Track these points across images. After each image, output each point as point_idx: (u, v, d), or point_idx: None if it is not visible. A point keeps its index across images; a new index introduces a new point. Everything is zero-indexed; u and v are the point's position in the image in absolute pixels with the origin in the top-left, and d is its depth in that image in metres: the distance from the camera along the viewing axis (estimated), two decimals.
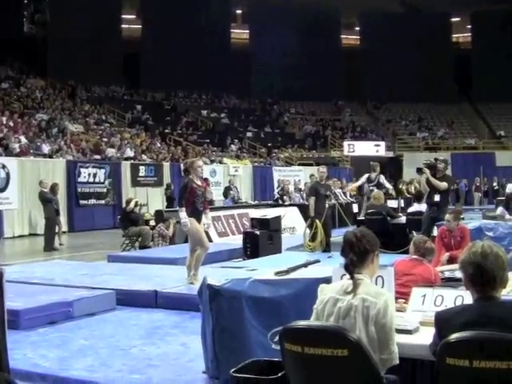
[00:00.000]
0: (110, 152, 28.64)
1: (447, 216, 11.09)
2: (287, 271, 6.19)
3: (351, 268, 4.11)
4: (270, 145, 41.47)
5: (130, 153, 29.64)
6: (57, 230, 19.36)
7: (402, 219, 16.40)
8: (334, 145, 44.16)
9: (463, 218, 14.44)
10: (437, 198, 13.75)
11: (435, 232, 12.26)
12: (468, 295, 4.40)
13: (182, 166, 11.69)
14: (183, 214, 10.61)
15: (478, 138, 47.43)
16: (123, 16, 48.17)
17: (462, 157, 43.19)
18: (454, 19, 55.22)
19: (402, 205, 21.80)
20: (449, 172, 15.25)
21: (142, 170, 28.27)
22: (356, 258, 4.12)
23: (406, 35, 49.10)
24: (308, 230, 16.50)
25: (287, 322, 4.02)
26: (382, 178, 19.80)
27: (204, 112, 44.35)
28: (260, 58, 46.46)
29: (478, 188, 40.08)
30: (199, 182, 10.95)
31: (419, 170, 14.17)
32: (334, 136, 45.81)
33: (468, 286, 3.78)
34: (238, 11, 53.08)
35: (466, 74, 51.53)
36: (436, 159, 14.41)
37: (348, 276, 4.14)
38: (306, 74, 46.13)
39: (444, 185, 13.83)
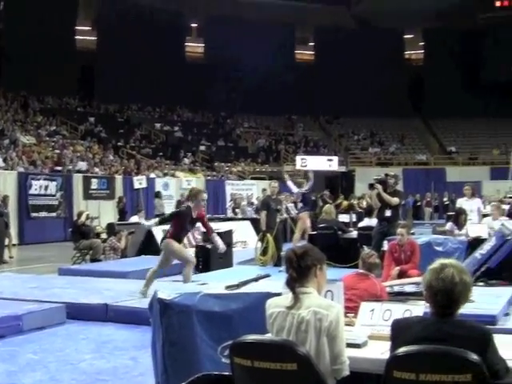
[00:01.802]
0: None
1: (400, 230, 11.21)
2: (238, 285, 6.22)
3: (292, 283, 4.16)
4: (223, 158, 41.49)
5: (82, 165, 29.42)
6: (7, 243, 19.09)
7: (353, 234, 16.55)
8: (286, 159, 44.29)
9: (413, 233, 14.64)
10: (388, 213, 13.90)
11: (386, 247, 12.37)
12: (416, 310, 4.47)
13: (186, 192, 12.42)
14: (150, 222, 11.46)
15: (429, 154, 48.03)
16: (78, 27, 47.86)
17: (413, 172, 43.75)
18: (407, 36, 55.93)
19: (354, 219, 21.95)
20: (399, 187, 15.44)
21: (95, 183, 28.07)
22: (296, 273, 4.17)
23: (359, 51, 49.52)
24: (259, 244, 16.53)
25: (237, 336, 4.04)
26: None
27: (157, 125, 44.22)
28: (214, 72, 46.46)
29: (429, 203, 40.51)
30: (194, 214, 11.04)
31: (371, 186, 14.33)
32: (287, 150, 45.98)
33: (429, 303, 3.85)
34: (193, 25, 53.07)
35: (418, 90, 52.17)
36: (386, 174, 14.59)
37: None
38: (260, 88, 46.22)
39: (395, 200, 14.00)
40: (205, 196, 11.61)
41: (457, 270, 3.78)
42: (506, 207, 26.28)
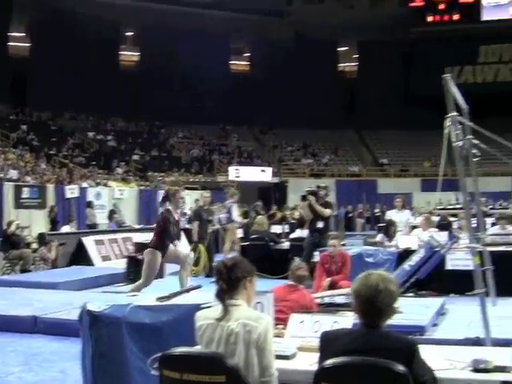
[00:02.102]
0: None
1: (332, 241, 11.31)
2: (169, 297, 6.21)
3: (222, 295, 4.19)
4: (156, 168, 41.27)
5: (13, 174, 28.96)
6: None
7: (285, 245, 16.63)
8: (220, 169, 44.32)
9: (345, 244, 14.80)
10: (320, 224, 14.03)
11: (317, 258, 12.48)
12: (345, 322, 4.53)
13: (162, 192, 11.16)
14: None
15: (361, 166, 48.58)
16: (11, 34, 47.18)
17: (345, 184, 44.17)
18: (341, 48, 56.52)
19: (287, 230, 22.03)
20: (332, 198, 15.61)
21: (26, 192, 27.56)
22: (226, 285, 4.19)
23: (294, 62, 49.92)
24: (191, 255, 16.50)
25: (167, 348, 4.04)
26: (234, 208, 19.10)
27: (90, 134, 43.76)
28: (149, 81, 46.27)
29: (361, 214, 40.93)
30: (176, 216, 10.71)
31: (304, 197, 14.43)
32: (220, 161, 45.98)
33: (356, 313, 3.90)
34: (129, 33, 52.76)
35: (352, 102, 52.79)
36: (318, 186, 14.74)
37: None
38: (195, 97, 46.21)
39: (328, 211, 14.15)
40: (182, 194, 11.12)
41: (382, 279, 3.84)
42: (435, 219, 26.76)
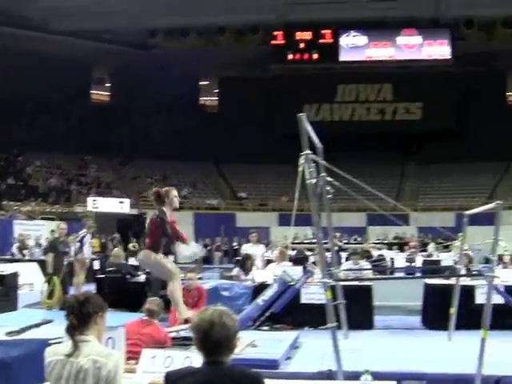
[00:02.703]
0: None
1: (189, 275, 11.30)
2: (19, 331, 6.04)
3: (71, 331, 4.11)
4: (12, 197, 40.14)
5: None
6: None
7: (142, 278, 16.44)
8: (78, 200, 43.51)
9: (201, 278, 14.82)
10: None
11: None
12: (197, 357, 4.53)
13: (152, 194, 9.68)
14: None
15: (220, 199, 48.85)
16: None
17: (204, 217, 44.35)
18: (202, 82, 56.92)
19: None
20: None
21: None
22: (76, 321, 4.12)
23: (156, 94, 49.89)
24: (46, 287, 16.12)
25: None
26: (87, 238, 18.73)
27: None
28: (5, 108, 45.06)
29: (219, 247, 41.13)
30: (169, 217, 9.85)
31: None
32: (79, 191, 45.20)
33: (197, 348, 3.89)
34: None
35: (212, 136, 53.10)
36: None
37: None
38: (54, 126, 45.34)
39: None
40: (176, 193, 10.23)
41: (219, 313, 3.83)
42: (292, 253, 27.20)
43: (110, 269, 16.85)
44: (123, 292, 15.39)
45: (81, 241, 18.11)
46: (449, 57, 48.85)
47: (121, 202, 40.90)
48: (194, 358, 4.72)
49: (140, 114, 49.31)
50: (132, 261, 19.57)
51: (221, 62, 49.50)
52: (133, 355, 5.35)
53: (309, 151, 7.24)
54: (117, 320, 10.13)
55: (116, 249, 18.28)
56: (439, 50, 49.04)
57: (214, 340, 3.75)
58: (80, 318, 4.12)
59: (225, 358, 3.82)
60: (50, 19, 45.10)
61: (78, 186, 46.24)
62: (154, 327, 7.45)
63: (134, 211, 41.95)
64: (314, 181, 7.21)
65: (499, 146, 49.73)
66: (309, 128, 7.44)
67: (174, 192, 10.01)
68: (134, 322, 7.56)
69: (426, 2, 45.26)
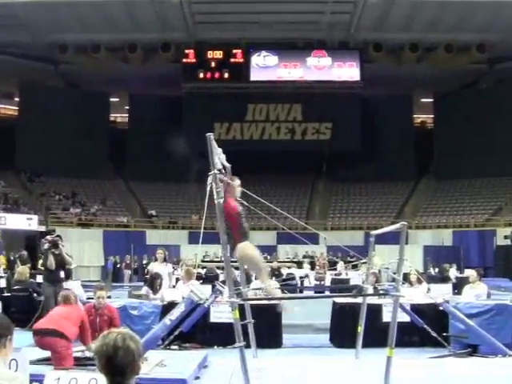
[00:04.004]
0: None
1: (99, 293, 11.04)
2: None
3: None
4: None
5: None
6: None
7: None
8: None
9: (110, 296, 14.64)
10: (62, 273, 14.06)
11: None
12: (102, 378, 4.48)
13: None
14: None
15: (130, 216, 48.45)
16: None
17: (113, 234, 43.90)
18: (113, 99, 56.49)
19: None
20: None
21: None
22: None
23: (65, 110, 49.39)
24: None
25: None
26: None
27: None
28: None
29: (128, 265, 40.74)
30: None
31: (55, 245, 14.34)
32: None
33: (101, 372, 3.81)
34: None
35: (121, 153, 52.72)
36: (58, 235, 14.81)
37: None
38: None
39: (71, 260, 14.33)
40: (239, 182, 8.66)
41: (122, 336, 3.73)
42: (202, 271, 27.28)
43: (16, 287, 16.50)
44: (30, 310, 15.08)
45: None
46: (358, 79, 49.65)
47: (29, 219, 40.17)
48: (99, 380, 4.66)
49: (50, 129, 48.62)
50: (39, 278, 19.23)
51: (131, 79, 49.18)
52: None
53: (216, 170, 7.28)
54: (23, 340, 9.94)
55: (21, 266, 17.90)
56: (348, 71, 49.79)
57: (118, 364, 3.67)
58: None
59: (130, 380, 3.76)
60: None
61: None
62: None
63: (42, 228, 41.23)
64: (221, 200, 7.24)
65: (407, 166, 51.03)
66: (217, 148, 7.49)
67: (238, 181, 8.83)
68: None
69: (336, 24, 46.01)
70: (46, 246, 14.60)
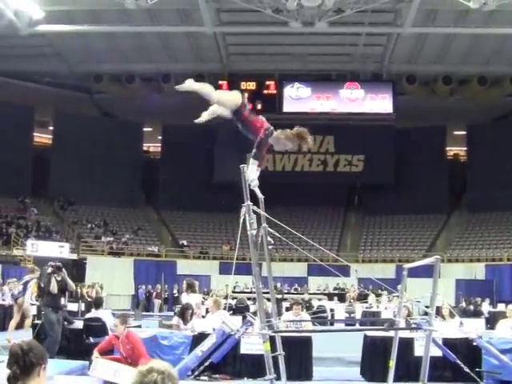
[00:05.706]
0: None
1: (116, 321, 11.11)
2: None
3: (13, 381, 3.97)
4: None
5: None
6: None
7: (79, 324, 16.11)
8: (17, 243, 42.87)
9: (140, 326, 14.64)
10: (63, 300, 14.19)
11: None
12: None
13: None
14: None
15: (161, 246, 48.56)
16: None
17: (144, 263, 44.04)
18: (146, 129, 56.85)
19: (83, 308, 21.52)
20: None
21: None
22: (20, 371, 3.98)
23: (100, 139, 49.86)
24: None
25: None
26: (32, 283, 18.41)
27: None
28: None
29: (159, 295, 40.76)
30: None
31: (59, 269, 14.47)
32: (18, 234, 44.50)
33: None
34: None
35: (154, 182, 53.00)
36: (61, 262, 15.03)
37: None
38: None
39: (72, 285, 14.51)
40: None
41: (162, 377, 3.53)
42: (232, 302, 27.15)
43: None
44: (61, 339, 15.08)
45: (25, 285, 17.88)
46: (390, 111, 49.58)
47: (60, 247, 40.45)
48: None
49: (84, 158, 49.10)
50: (71, 306, 19.29)
51: (165, 110, 49.55)
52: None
53: (249, 202, 7.27)
54: (54, 368, 9.96)
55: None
56: (381, 103, 49.77)
57: None
58: (23, 368, 3.97)
59: None
60: None
61: (18, 229, 45.51)
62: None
63: (73, 256, 41.48)
64: (254, 232, 7.23)
65: (439, 199, 50.62)
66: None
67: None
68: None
69: (369, 56, 46.14)
70: (50, 270, 14.73)
